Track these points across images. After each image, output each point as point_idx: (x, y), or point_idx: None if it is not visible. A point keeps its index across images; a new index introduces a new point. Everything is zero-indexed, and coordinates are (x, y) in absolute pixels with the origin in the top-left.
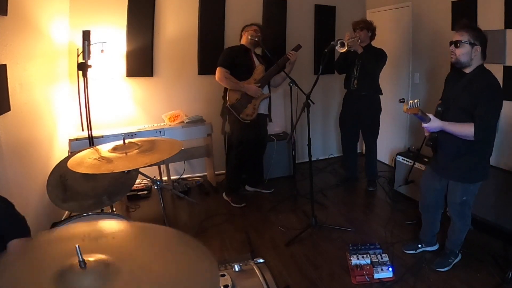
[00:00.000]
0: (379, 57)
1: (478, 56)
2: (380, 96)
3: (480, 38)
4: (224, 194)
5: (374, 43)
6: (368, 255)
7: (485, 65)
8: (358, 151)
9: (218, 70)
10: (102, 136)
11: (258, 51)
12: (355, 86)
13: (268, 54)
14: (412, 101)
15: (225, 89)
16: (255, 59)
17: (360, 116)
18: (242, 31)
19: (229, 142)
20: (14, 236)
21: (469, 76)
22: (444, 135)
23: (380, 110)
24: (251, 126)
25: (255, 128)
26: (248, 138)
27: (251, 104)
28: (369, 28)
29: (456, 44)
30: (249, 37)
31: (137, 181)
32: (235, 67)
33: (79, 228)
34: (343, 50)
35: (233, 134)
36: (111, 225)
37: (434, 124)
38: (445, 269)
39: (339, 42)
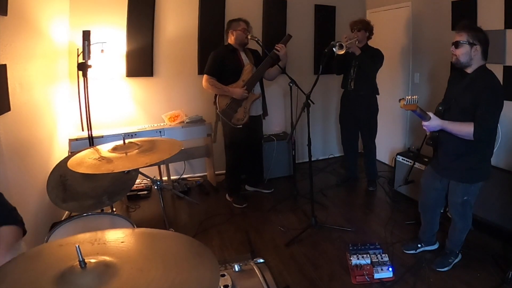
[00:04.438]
0: (376, 58)
1: (478, 56)
2: (377, 96)
3: (480, 38)
4: (227, 195)
5: (374, 43)
6: (368, 255)
7: (486, 65)
8: (358, 151)
9: (204, 78)
10: (102, 136)
11: (250, 45)
12: (352, 87)
13: (267, 52)
14: (410, 97)
15: (215, 94)
16: (243, 58)
17: (358, 116)
18: (228, 28)
19: (224, 144)
20: (2, 222)
21: (470, 76)
22: (445, 135)
23: (377, 110)
24: (243, 129)
25: (247, 131)
26: (240, 140)
27: (241, 108)
28: (367, 28)
29: (456, 44)
30: (240, 39)
31: (137, 181)
32: (223, 71)
33: (90, 234)
34: (342, 52)
35: (226, 136)
36: (121, 232)
37: (434, 122)
38: (445, 269)
39: (337, 44)
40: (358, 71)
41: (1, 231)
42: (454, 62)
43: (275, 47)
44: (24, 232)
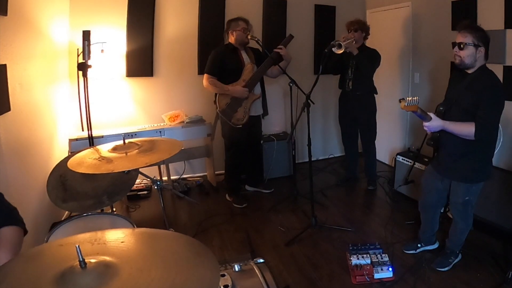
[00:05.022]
0: (374, 58)
1: (482, 57)
2: (376, 95)
3: (484, 39)
4: (227, 195)
5: (375, 43)
6: (368, 255)
7: (486, 65)
8: (358, 151)
9: (204, 77)
10: (102, 136)
11: (251, 44)
12: (350, 87)
13: (267, 52)
14: (410, 98)
15: (216, 94)
16: (244, 57)
17: (356, 116)
18: (228, 29)
19: (224, 144)
20: (3, 223)
21: (471, 77)
22: (446, 135)
23: (375, 110)
24: (243, 129)
25: (246, 131)
26: (240, 140)
27: (241, 107)
28: (363, 28)
29: (460, 46)
30: (240, 39)
31: (137, 181)
32: (223, 70)
33: (90, 234)
34: (340, 51)
35: (225, 136)
36: (121, 232)
37: (435, 123)
38: (445, 269)
39: (336, 43)
40: (355, 71)
41: (3, 232)
42: (457, 63)
43: (277, 47)
44: (25, 232)
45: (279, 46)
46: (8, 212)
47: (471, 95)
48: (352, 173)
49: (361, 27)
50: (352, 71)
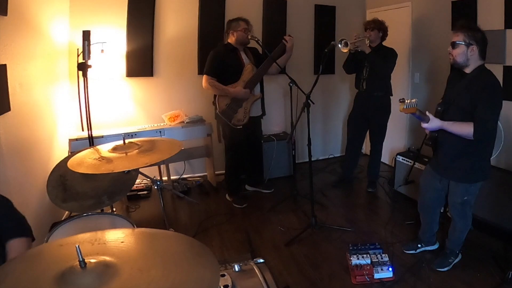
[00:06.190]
0: (388, 57)
1: (476, 56)
2: (391, 97)
3: (476, 38)
4: (227, 195)
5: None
6: (368, 255)
7: (485, 65)
8: (360, 152)
9: (203, 78)
10: (102, 136)
11: (250, 44)
12: (364, 88)
13: (267, 52)
14: (409, 101)
15: (215, 95)
16: (243, 57)
17: (369, 116)
18: (228, 29)
19: (224, 144)
20: (13, 234)
21: (469, 76)
22: (444, 135)
23: (389, 112)
24: (243, 130)
25: (247, 131)
26: (240, 141)
27: (241, 108)
28: (380, 28)
29: (453, 45)
30: (241, 39)
31: (137, 181)
32: (223, 71)
33: (90, 234)
34: (345, 50)
35: (225, 137)
36: (121, 232)
37: (433, 123)
38: (445, 269)
39: (342, 41)
40: (370, 71)
41: (13, 245)
42: (451, 62)
43: (284, 37)
44: (33, 239)
45: (287, 36)
46: (17, 222)
47: (469, 95)
48: (349, 174)
49: (378, 27)
50: (367, 71)
